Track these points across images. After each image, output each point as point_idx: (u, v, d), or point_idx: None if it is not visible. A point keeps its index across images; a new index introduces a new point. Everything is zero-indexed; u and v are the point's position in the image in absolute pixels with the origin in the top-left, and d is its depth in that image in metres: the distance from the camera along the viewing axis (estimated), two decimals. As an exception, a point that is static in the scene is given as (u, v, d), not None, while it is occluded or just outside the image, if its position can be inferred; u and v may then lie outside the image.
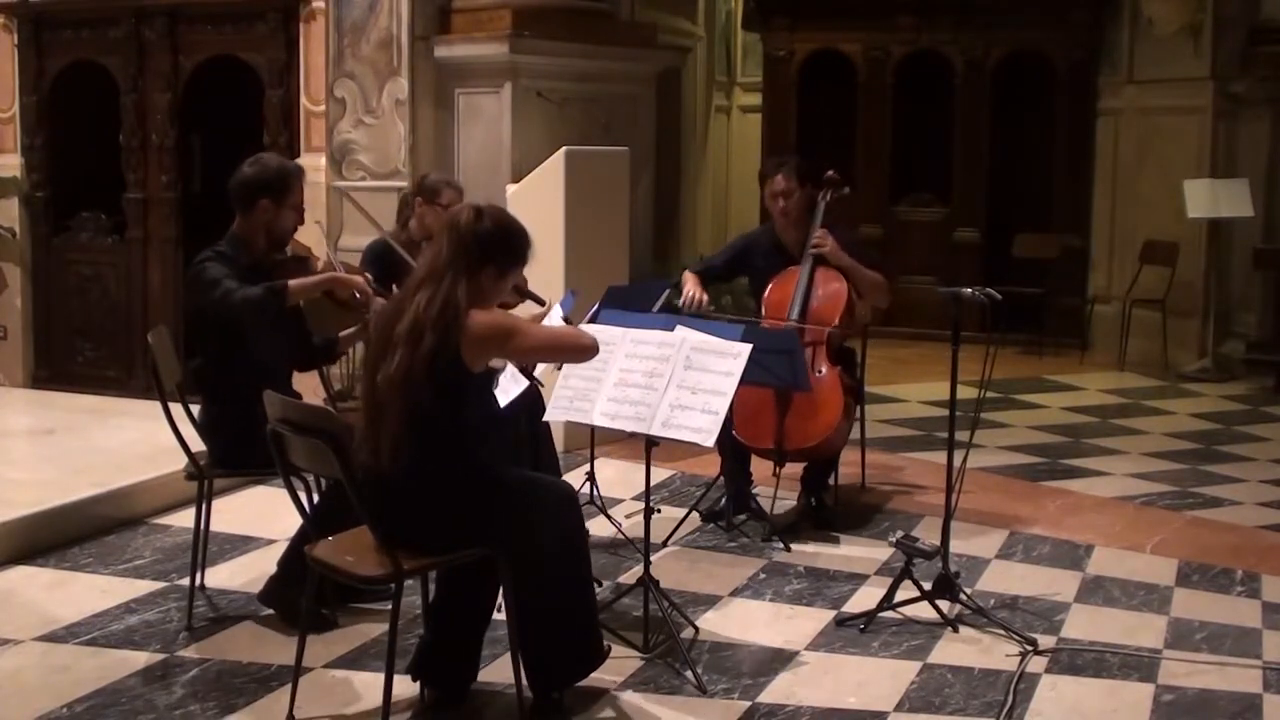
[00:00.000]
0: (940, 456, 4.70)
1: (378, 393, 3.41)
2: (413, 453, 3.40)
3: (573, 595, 3.68)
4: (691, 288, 5.54)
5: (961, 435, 4.55)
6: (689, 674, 3.94)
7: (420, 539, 3.47)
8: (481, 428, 3.55)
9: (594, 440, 5.61)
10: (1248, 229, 9.16)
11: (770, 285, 5.56)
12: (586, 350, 3.66)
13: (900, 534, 4.55)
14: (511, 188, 7.04)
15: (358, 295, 4.49)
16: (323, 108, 8.20)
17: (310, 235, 5.15)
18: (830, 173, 5.68)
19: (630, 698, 3.84)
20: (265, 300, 4.25)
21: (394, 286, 4.77)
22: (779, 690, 3.90)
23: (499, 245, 3.53)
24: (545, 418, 4.61)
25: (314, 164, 8.21)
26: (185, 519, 5.06)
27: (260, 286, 4.27)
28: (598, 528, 5.23)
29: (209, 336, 4.43)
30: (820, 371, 5.34)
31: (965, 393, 4.51)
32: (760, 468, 5.56)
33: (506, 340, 3.50)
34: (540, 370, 4.25)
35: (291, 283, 4.33)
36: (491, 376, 3.62)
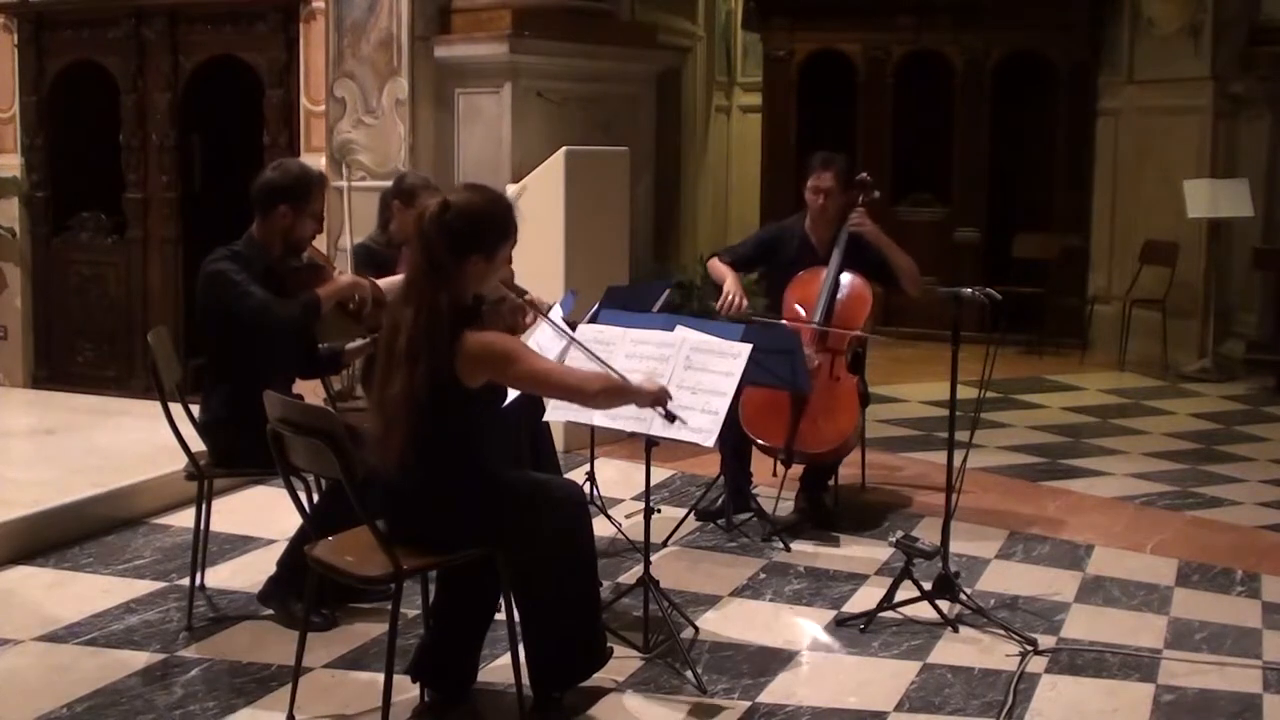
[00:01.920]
0: (940, 456, 4.70)
1: (386, 407, 3.39)
2: (421, 462, 3.40)
3: (577, 596, 3.67)
4: (732, 286, 5.40)
5: (961, 435, 4.55)
6: (689, 674, 3.94)
7: (425, 540, 3.47)
8: (487, 432, 3.55)
9: (594, 440, 5.61)
10: (1248, 229, 9.17)
11: (792, 283, 5.51)
12: (590, 397, 3.53)
13: (900, 534, 4.55)
14: (511, 188, 7.04)
15: (359, 299, 4.46)
16: (323, 108, 8.19)
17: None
18: (863, 175, 5.64)
19: (630, 698, 3.84)
20: (303, 318, 4.29)
21: None
22: (779, 690, 3.90)
23: (475, 233, 3.40)
24: (545, 418, 4.61)
25: (314, 164, 8.20)
26: (185, 519, 5.06)
27: (296, 303, 4.28)
28: (598, 528, 5.19)
29: (215, 335, 4.42)
30: (839, 378, 5.32)
31: (965, 393, 4.51)
32: (760, 467, 5.56)
33: (503, 365, 3.39)
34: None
35: (321, 291, 4.34)
36: (498, 387, 3.59)
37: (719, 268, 5.58)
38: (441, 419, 3.38)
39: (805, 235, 5.64)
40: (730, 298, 5.39)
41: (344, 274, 4.63)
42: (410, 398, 3.33)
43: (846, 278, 5.45)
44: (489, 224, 3.45)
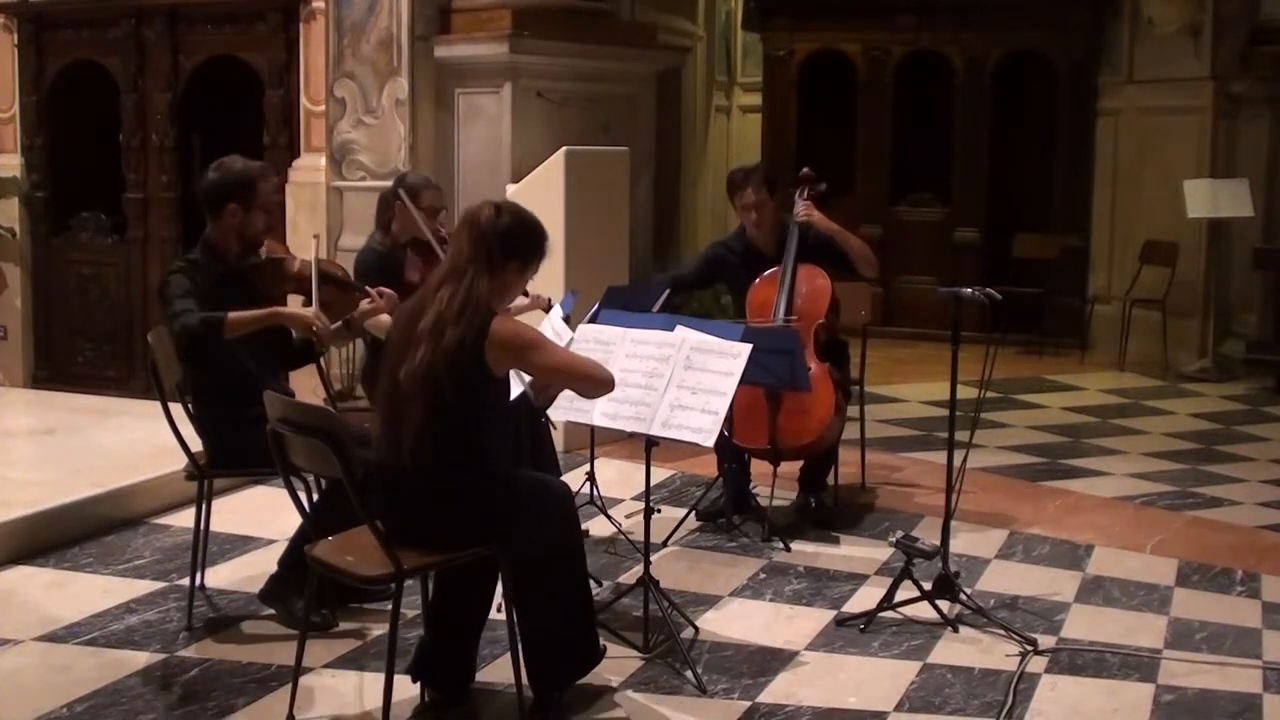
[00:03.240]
0: (940, 456, 4.70)
1: (399, 388, 3.43)
2: (434, 448, 3.41)
3: (575, 593, 3.69)
4: None
5: (961, 435, 4.55)
6: (689, 674, 3.94)
7: (427, 538, 3.47)
8: (494, 428, 3.56)
9: (594, 440, 5.61)
10: (1248, 229, 9.16)
11: (753, 287, 5.54)
12: (603, 384, 3.64)
13: (900, 534, 4.55)
14: (511, 188, 7.03)
15: (315, 327, 4.35)
16: (323, 108, 8.20)
17: (307, 237, 5.14)
18: (805, 170, 5.67)
19: (630, 698, 3.84)
20: (197, 331, 4.16)
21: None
22: (779, 690, 3.90)
23: (520, 240, 3.59)
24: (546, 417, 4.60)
25: (314, 164, 8.23)
26: (185, 519, 5.06)
27: (197, 317, 4.17)
28: (598, 528, 5.23)
29: None
30: (808, 368, 5.33)
31: (965, 393, 4.51)
32: (760, 467, 5.56)
33: (528, 351, 3.51)
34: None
35: (230, 316, 4.21)
36: (509, 382, 3.63)
37: None
38: (457, 401, 3.40)
39: (749, 244, 5.68)
40: None
41: (307, 300, 4.56)
42: (428, 373, 3.38)
43: (803, 270, 5.47)
44: (535, 236, 3.65)
